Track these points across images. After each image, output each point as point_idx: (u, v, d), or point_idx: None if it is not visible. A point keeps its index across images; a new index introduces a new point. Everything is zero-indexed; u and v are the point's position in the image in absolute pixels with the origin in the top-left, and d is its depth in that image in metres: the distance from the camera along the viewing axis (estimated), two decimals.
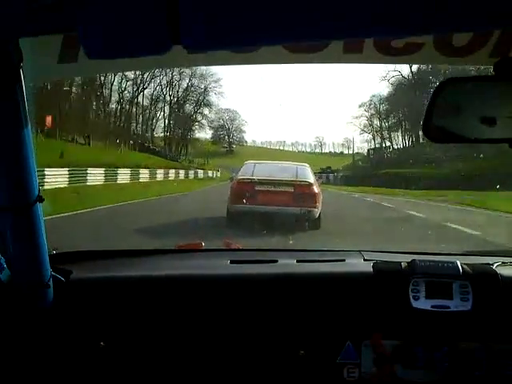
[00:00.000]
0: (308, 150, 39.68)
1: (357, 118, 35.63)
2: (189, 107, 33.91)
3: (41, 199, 1.10)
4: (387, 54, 1.39)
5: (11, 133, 0.98)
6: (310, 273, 1.58)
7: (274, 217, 7.70)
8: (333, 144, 38.50)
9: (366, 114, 34.05)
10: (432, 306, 1.43)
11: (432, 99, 1.03)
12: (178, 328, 1.45)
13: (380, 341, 1.45)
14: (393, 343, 1.45)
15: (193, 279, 1.53)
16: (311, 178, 8.80)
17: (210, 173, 31.65)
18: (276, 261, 1.63)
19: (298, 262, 1.65)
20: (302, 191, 8.24)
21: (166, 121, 33.76)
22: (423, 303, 1.44)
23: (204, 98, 32.70)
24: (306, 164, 9.83)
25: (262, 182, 8.31)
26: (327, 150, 38.88)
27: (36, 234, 1.15)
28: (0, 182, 1.04)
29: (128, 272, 1.56)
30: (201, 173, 30.55)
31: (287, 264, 1.63)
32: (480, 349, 1.44)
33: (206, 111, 33.97)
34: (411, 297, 1.44)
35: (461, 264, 1.48)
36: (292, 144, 40.92)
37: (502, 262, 1.57)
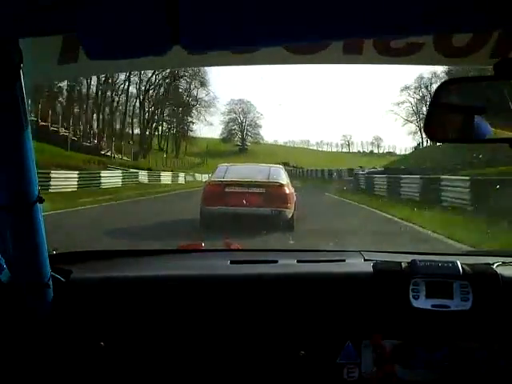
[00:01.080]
0: (334, 149, 36.69)
1: (398, 104, 28.50)
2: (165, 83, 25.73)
3: (41, 199, 1.10)
4: (387, 54, 1.39)
5: (11, 133, 0.98)
6: (310, 273, 1.58)
7: (245, 218, 7.70)
8: (361, 143, 35.27)
9: (411, 99, 27.41)
10: (432, 306, 1.43)
11: (433, 99, 1.03)
12: (178, 328, 1.45)
13: (380, 341, 1.45)
14: (393, 343, 1.45)
15: (193, 279, 1.53)
16: (283, 179, 8.81)
17: (164, 176, 21.65)
18: (276, 261, 1.63)
19: (298, 262, 1.65)
20: (273, 192, 8.26)
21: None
22: (423, 303, 1.44)
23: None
24: (280, 165, 9.82)
25: (232, 184, 8.41)
26: (355, 150, 35.88)
27: (36, 234, 1.15)
28: (0, 181, 1.04)
29: (128, 272, 1.56)
30: (109, 176, 17.34)
31: (287, 264, 1.63)
32: (480, 349, 1.44)
33: (202, 93, 26.67)
34: (411, 296, 1.44)
35: (461, 264, 1.48)
36: (317, 143, 38.17)
37: (503, 262, 1.57)
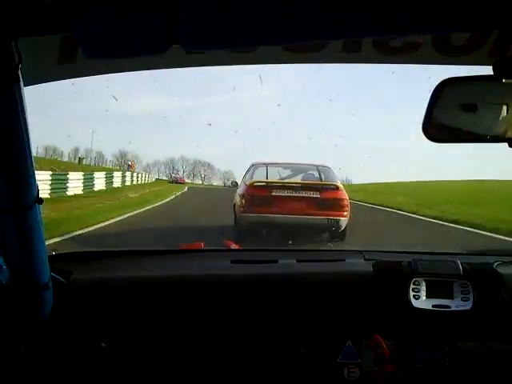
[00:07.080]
0: None
1: None
2: None
3: (40, 200, 1.09)
4: (386, 53, 1.39)
5: (9, 134, 0.98)
6: (310, 273, 1.58)
7: (294, 228, 6.69)
8: None
9: None
10: (433, 306, 1.43)
11: (432, 98, 1.03)
12: (179, 328, 1.45)
13: (380, 340, 1.45)
14: (393, 343, 1.45)
15: (194, 279, 1.53)
16: (338, 181, 7.79)
17: None
18: (276, 261, 1.63)
19: (298, 261, 1.65)
20: (329, 196, 7.16)
21: None
22: (424, 303, 1.43)
23: None
24: (327, 164, 8.39)
25: (282, 186, 7.26)
26: None
27: (35, 236, 1.15)
28: None
29: (128, 272, 1.56)
30: None
31: (287, 264, 1.64)
32: (480, 348, 1.43)
33: None
34: (412, 296, 1.44)
35: (461, 263, 1.48)
36: None
37: (503, 262, 1.57)
